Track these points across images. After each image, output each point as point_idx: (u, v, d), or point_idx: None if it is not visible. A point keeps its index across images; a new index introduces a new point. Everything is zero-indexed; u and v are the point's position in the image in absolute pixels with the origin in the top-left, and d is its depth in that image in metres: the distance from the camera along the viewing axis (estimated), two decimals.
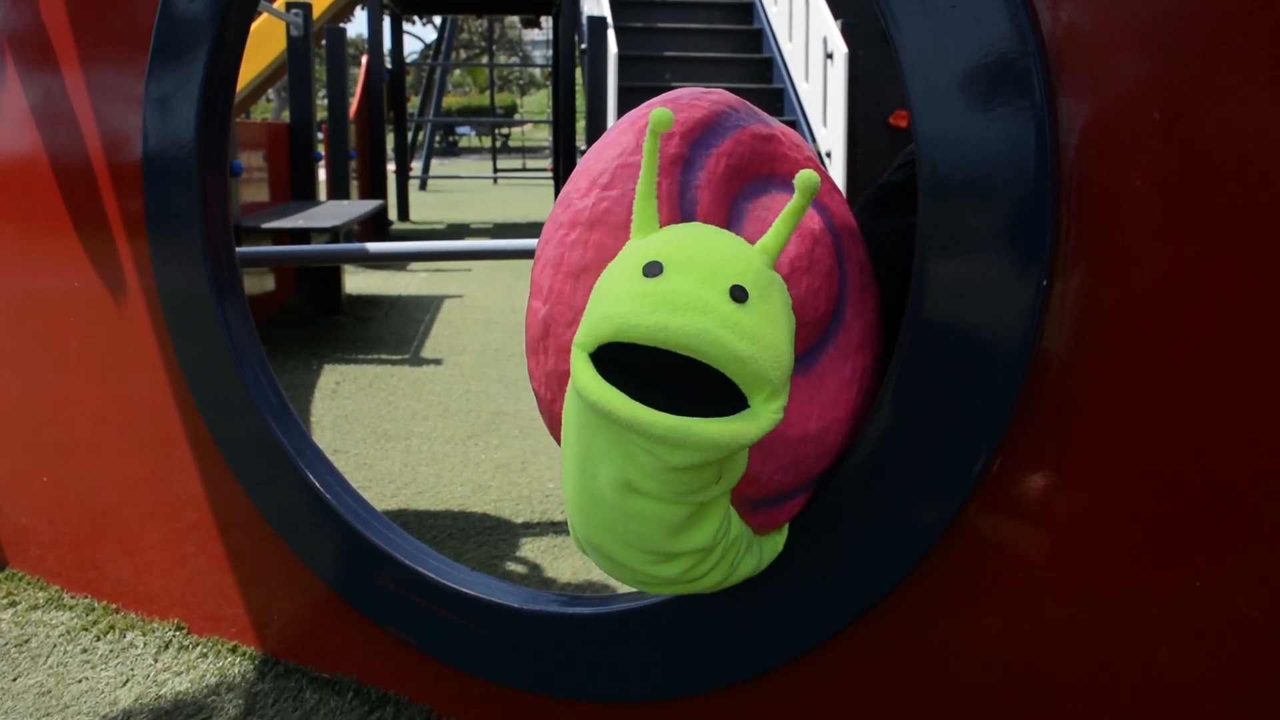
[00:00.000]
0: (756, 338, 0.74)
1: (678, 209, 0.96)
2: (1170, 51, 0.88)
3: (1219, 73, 0.86)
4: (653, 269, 0.75)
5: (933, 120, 0.97)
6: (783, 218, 0.80)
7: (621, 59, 6.90)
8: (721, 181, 1.00)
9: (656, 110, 0.79)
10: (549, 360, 0.98)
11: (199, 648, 1.67)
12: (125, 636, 1.71)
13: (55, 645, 1.69)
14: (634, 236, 0.82)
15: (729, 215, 1.00)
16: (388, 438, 3.06)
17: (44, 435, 1.83)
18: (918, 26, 0.97)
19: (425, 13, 12.72)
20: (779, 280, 0.80)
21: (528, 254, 2.45)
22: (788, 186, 1.07)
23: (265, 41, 6.88)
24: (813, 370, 1.03)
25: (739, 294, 0.74)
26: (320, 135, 6.74)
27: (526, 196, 13.38)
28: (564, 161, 9.29)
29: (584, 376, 0.75)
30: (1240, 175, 0.86)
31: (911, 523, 1.05)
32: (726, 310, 0.73)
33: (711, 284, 0.74)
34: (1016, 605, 1.04)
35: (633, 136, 0.99)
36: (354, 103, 8.41)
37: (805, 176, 0.78)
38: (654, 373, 0.75)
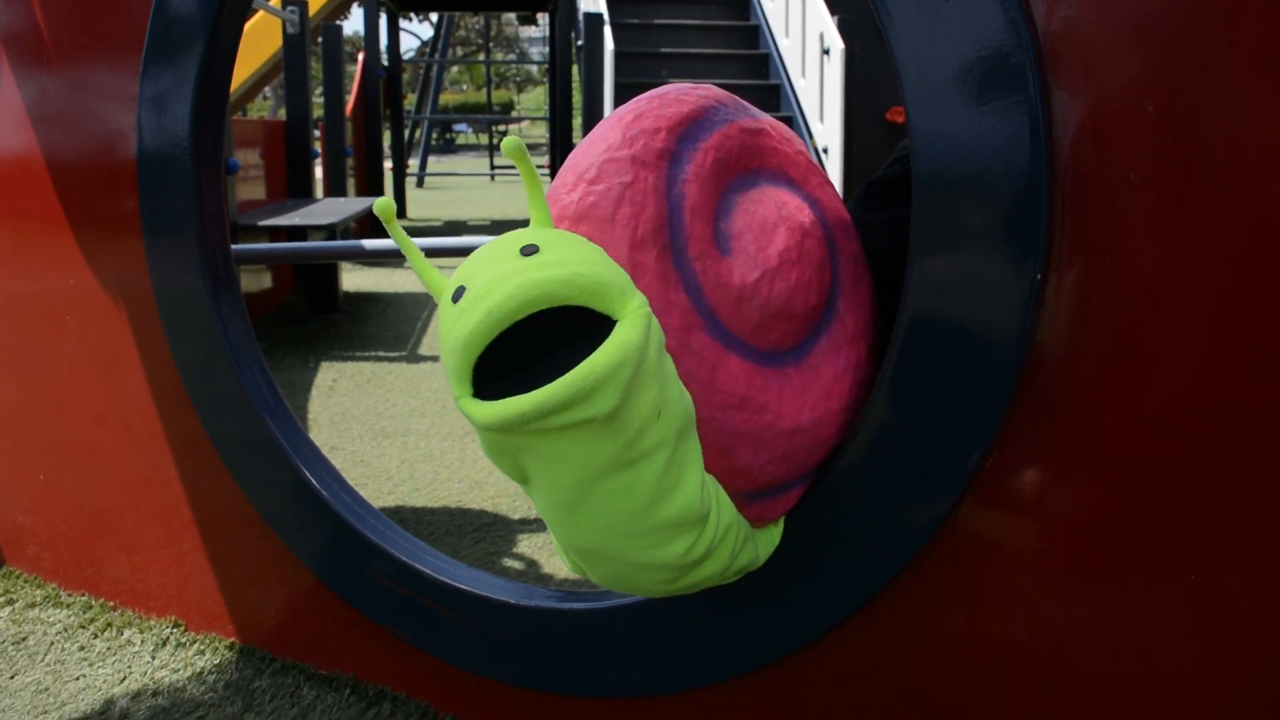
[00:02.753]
0: (563, 261, 0.76)
1: (664, 202, 0.96)
2: (1164, 46, 0.89)
3: (1213, 67, 0.86)
4: (458, 293, 0.77)
5: (927, 115, 0.97)
6: (526, 181, 0.84)
7: (618, 55, 6.89)
8: (709, 175, 1.00)
9: (381, 201, 0.84)
10: None
11: (196, 645, 1.67)
12: (123, 634, 1.71)
13: (53, 643, 1.69)
14: (438, 297, 0.83)
15: (717, 209, 1.01)
16: (385, 435, 3.07)
17: (40, 434, 1.83)
18: (911, 21, 0.97)
19: (422, 10, 12.71)
20: (565, 232, 0.83)
21: None
22: (777, 180, 1.07)
23: (261, 39, 6.86)
24: (805, 362, 1.03)
25: (529, 249, 0.77)
26: (317, 133, 6.73)
27: (523, 194, 13.36)
28: (561, 158, 9.28)
29: (480, 412, 0.77)
30: (1234, 169, 0.86)
31: (905, 518, 1.05)
32: (525, 264, 0.76)
33: (501, 261, 0.77)
34: (1011, 600, 1.04)
35: (619, 132, 0.99)
36: (350, 100, 8.40)
37: (508, 143, 0.82)
38: (543, 371, 0.77)
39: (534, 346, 0.78)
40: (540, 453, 0.82)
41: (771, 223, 1.01)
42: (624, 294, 0.78)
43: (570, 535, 0.89)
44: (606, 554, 0.90)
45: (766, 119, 1.09)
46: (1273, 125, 0.84)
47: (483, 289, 0.75)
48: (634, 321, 0.77)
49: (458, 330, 0.76)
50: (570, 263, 0.76)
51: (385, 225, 0.83)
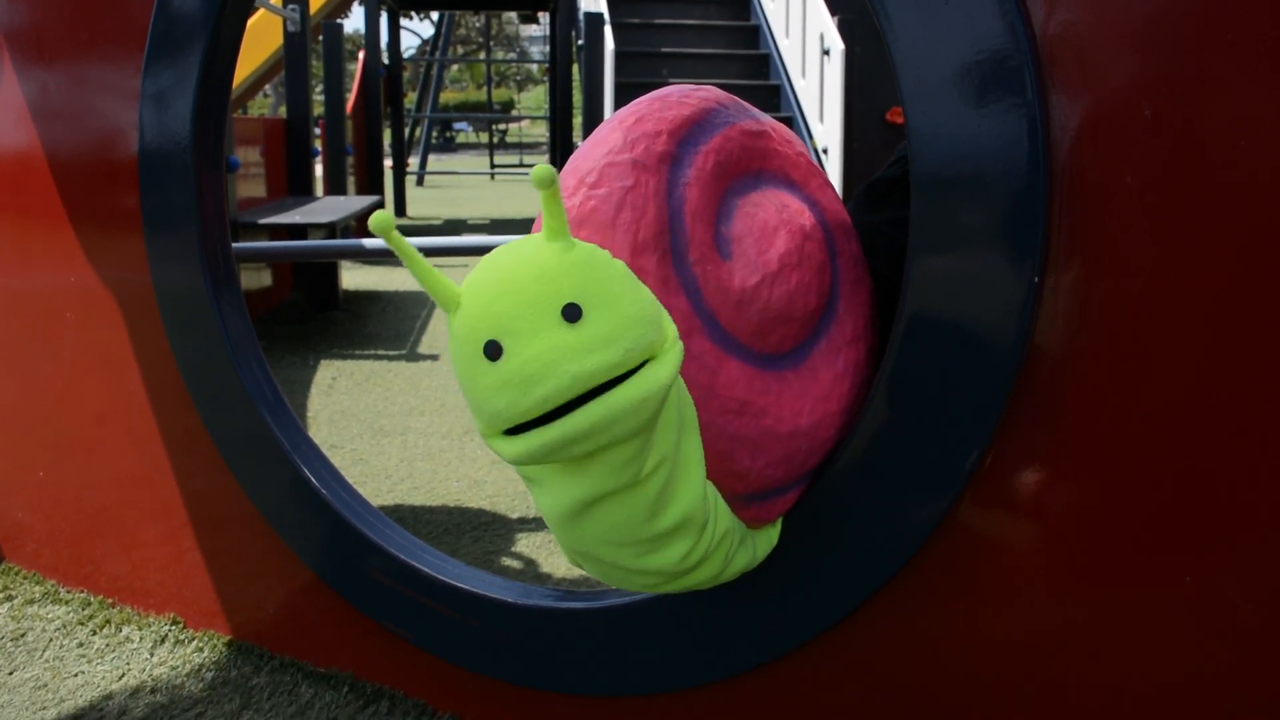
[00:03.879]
0: (612, 338, 0.74)
1: (666, 207, 0.96)
2: (1162, 49, 0.89)
3: (1210, 70, 0.86)
4: (493, 350, 0.74)
5: (925, 116, 0.97)
6: (543, 203, 0.78)
7: (619, 55, 6.89)
8: (710, 178, 1.00)
9: (378, 215, 0.78)
10: None
11: (195, 642, 1.67)
12: (121, 631, 1.71)
13: (51, 639, 1.69)
14: (447, 312, 0.79)
15: (718, 212, 1.01)
16: (384, 433, 3.07)
17: (40, 430, 1.83)
18: (910, 23, 0.98)
19: (422, 8, 12.70)
20: (584, 253, 0.78)
21: None
22: (779, 182, 1.08)
23: (262, 37, 6.86)
24: (804, 365, 1.03)
25: (571, 313, 0.74)
26: (317, 131, 6.73)
27: (523, 192, 13.37)
28: (561, 158, 9.28)
29: (510, 450, 0.76)
30: (1231, 171, 0.86)
31: (904, 518, 1.06)
32: (573, 340, 0.73)
33: (544, 325, 0.74)
34: (1009, 599, 1.04)
35: (620, 135, 0.99)
36: (351, 98, 8.39)
37: (539, 171, 0.75)
38: None
39: None
40: (551, 472, 0.84)
41: (772, 226, 1.01)
42: (659, 333, 0.77)
43: (568, 539, 0.90)
44: (600, 557, 0.91)
45: (768, 120, 1.09)
46: (1269, 128, 0.84)
47: (531, 370, 0.73)
48: (666, 360, 0.77)
49: (502, 404, 0.74)
50: (619, 339, 0.74)
51: (385, 239, 0.77)
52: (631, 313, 0.76)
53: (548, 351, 0.73)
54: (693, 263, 0.96)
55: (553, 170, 0.74)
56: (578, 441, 0.75)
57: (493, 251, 0.81)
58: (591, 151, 1.00)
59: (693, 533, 0.90)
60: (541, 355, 0.73)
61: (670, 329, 0.79)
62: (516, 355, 0.74)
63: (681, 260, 0.96)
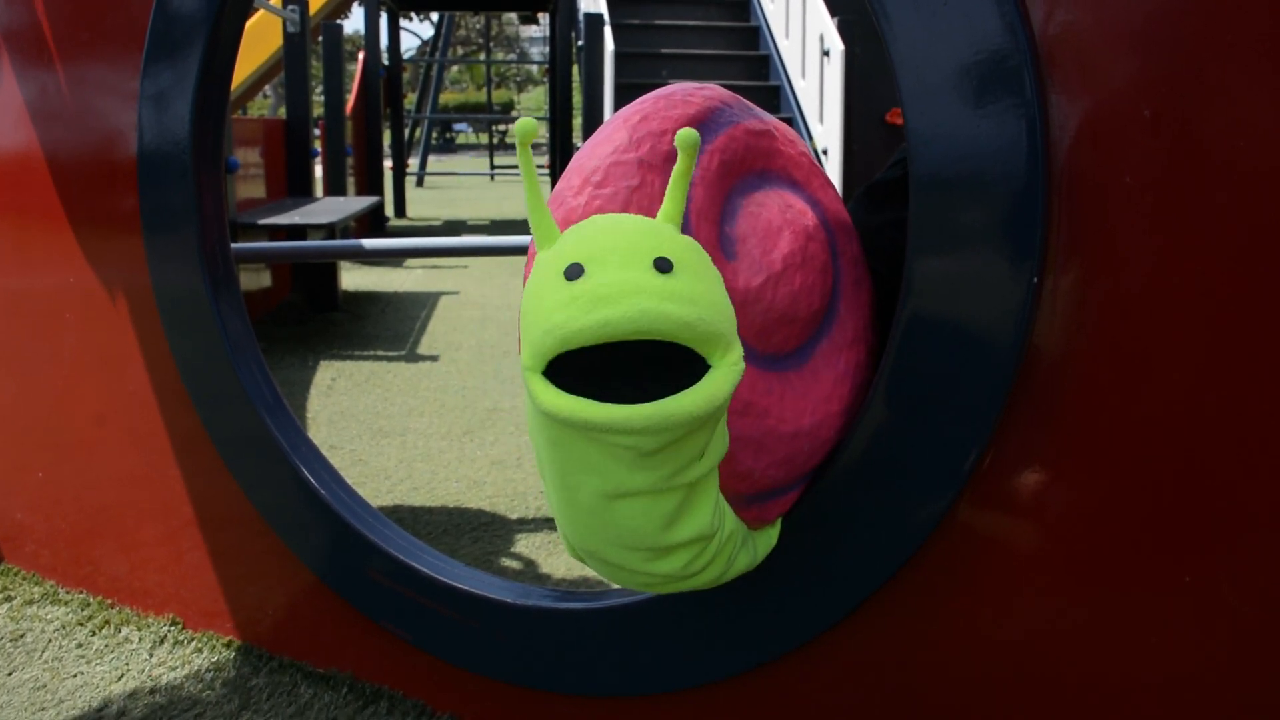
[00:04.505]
0: (694, 299, 0.74)
1: None
2: (1161, 49, 0.89)
3: (1209, 70, 0.86)
4: (574, 271, 0.74)
5: (924, 117, 0.97)
6: (673, 181, 0.80)
7: (618, 56, 6.89)
8: (715, 178, 1.00)
9: (521, 121, 0.78)
10: None
11: (194, 643, 1.67)
12: (120, 631, 1.71)
13: (50, 640, 1.69)
14: (539, 249, 0.80)
15: (722, 211, 1.01)
16: (383, 434, 3.07)
17: (39, 431, 1.83)
18: (909, 23, 0.98)
19: (422, 9, 12.70)
20: (693, 243, 0.80)
21: (524, 250, 2.45)
22: (783, 182, 1.07)
23: (262, 38, 6.86)
24: (806, 366, 1.03)
25: (663, 265, 0.74)
26: (317, 132, 6.73)
27: (523, 193, 13.36)
28: (561, 158, 9.28)
29: (546, 396, 0.74)
30: (1230, 172, 0.86)
31: (903, 518, 1.06)
32: (657, 283, 0.73)
33: (634, 265, 0.74)
34: (1007, 600, 1.04)
35: (626, 134, 0.99)
36: (351, 99, 8.39)
37: (683, 134, 0.78)
38: (606, 367, 0.75)
39: None
40: (578, 454, 0.82)
41: (776, 226, 1.01)
42: (728, 345, 0.76)
43: (575, 534, 0.90)
44: (607, 558, 0.91)
45: (771, 120, 1.09)
46: (1268, 128, 0.84)
47: (606, 291, 0.72)
48: (727, 375, 0.75)
49: (562, 317, 0.72)
50: (698, 303, 0.74)
51: (520, 148, 0.77)
52: (716, 298, 0.77)
53: (628, 282, 0.72)
54: None
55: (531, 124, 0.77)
56: (622, 433, 0.74)
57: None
58: (597, 150, 0.99)
59: (701, 542, 0.91)
60: (620, 283, 0.72)
61: (736, 349, 0.77)
62: (596, 278, 0.73)
63: None
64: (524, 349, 0.76)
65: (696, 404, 0.74)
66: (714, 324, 0.74)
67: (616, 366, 0.77)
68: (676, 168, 0.80)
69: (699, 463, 0.84)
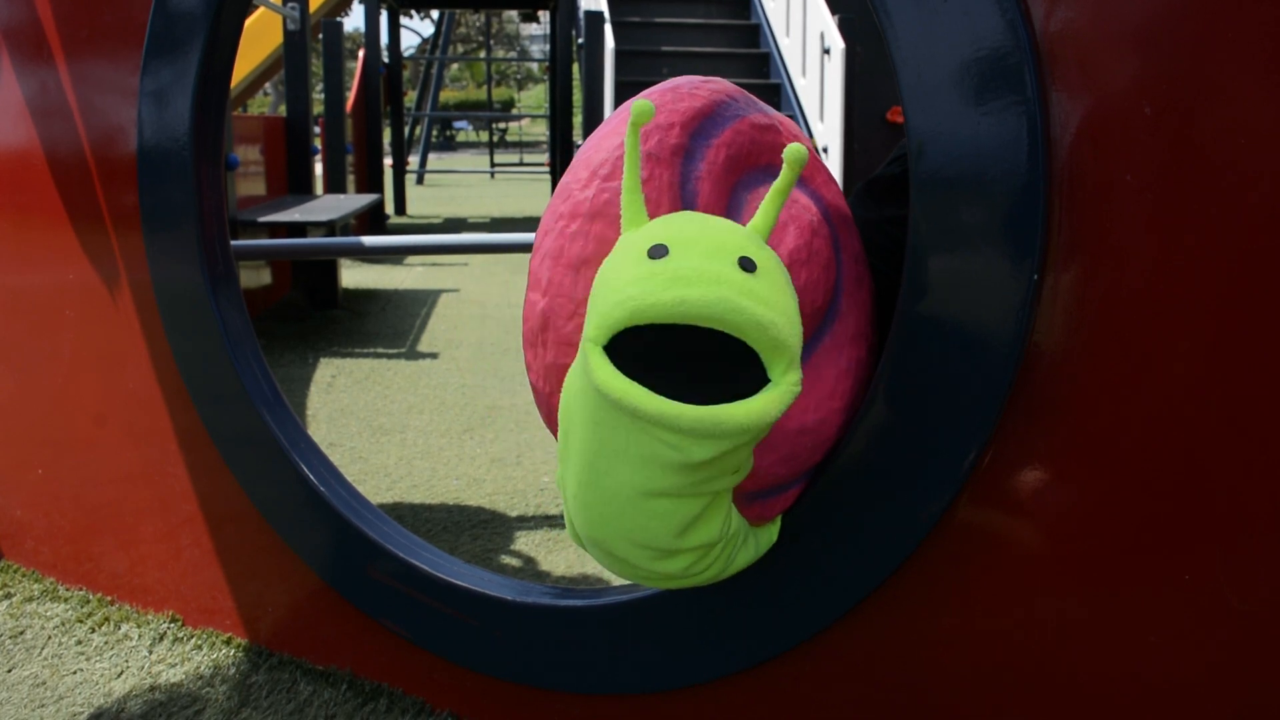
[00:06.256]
0: (772, 303, 0.73)
1: (679, 200, 0.96)
2: (1162, 47, 0.89)
3: (1210, 68, 0.86)
4: (658, 251, 0.74)
5: (925, 114, 0.97)
6: (770, 197, 0.80)
7: (619, 54, 6.89)
8: (722, 172, 0.99)
9: (638, 102, 0.79)
10: (547, 354, 0.98)
11: (193, 640, 1.67)
12: (120, 628, 1.71)
13: (50, 637, 1.69)
14: (625, 229, 0.81)
15: (728, 205, 1.00)
16: (383, 431, 3.07)
17: (39, 428, 1.83)
18: (910, 21, 0.98)
19: (423, 7, 12.69)
20: (777, 256, 0.80)
21: (524, 248, 2.45)
22: None
23: (262, 35, 6.86)
24: (809, 362, 1.03)
25: (748, 264, 0.74)
26: (317, 129, 6.73)
27: (523, 191, 13.37)
28: (561, 156, 9.29)
29: (603, 373, 0.73)
30: (1231, 170, 0.86)
31: (903, 516, 1.06)
32: (739, 279, 0.73)
33: (719, 258, 0.73)
34: (1007, 598, 1.04)
35: None
36: (351, 97, 8.39)
37: (794, 150, 0.78)
38: (658, 363, 0.75)
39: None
40: (618, 441, 0.81)
41: (781, 222, 1.01)
42: (791, 363, 0.76)
43: (587, 521, 0.89)
44: (612, 549, 0.91)
45: (776, 114, 1.09)
46: (1269, 126, 0.84)
47: (688, 272, 0.72)
48: (783, 394, 0.75)
49: (637, 290, 0.72)
50: (774, 308, 0.73)
51: (630, 131, 0.78)
52: (791, 311, 0.77)
53: (710, 269, 0.72)
54: None
55: (804, 152, 0.78)
56: (669, 429, 0.73)
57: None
58: (603, 143, 0.99)
59: (708, 548, 0.91)
60: (703, 269, 0.72)
61: (797, 371, 0.77)
62: (678, 261, 0.73)
63: None
64: (590, 320, 0.76)
65: (749, 415, 0.73)
66: (785, 333, 0.74)
67: (665, 363, 0.76)
68: (778, 183, 0.80)
69: (732, 476, 0.83)
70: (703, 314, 0.71)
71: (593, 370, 0.74)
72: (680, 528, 0.85)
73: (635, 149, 0.80)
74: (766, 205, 0.80)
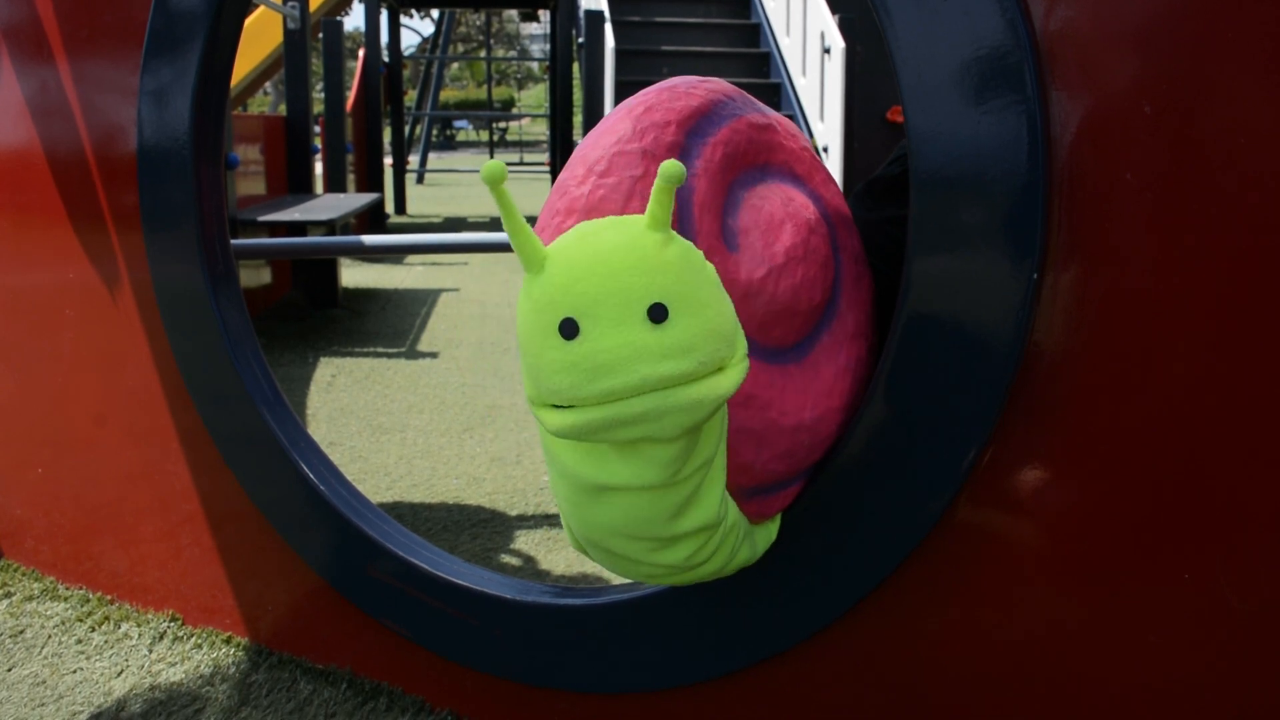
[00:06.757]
0: (692, 345, 0.73)
1: (674, 199, 0.96)
2: (1162, 47, 0.89)
3: (1210, 68, 0.86)
4: (569, 329, 0.73)
5: (925, 114, 0.97)
6: (655, 190, 0.76)
7: (619, 53, 6.89)
8: (718, 171, 1.00)
9: (491, 165, 0.76)
10: None
11: (193, 639, 1.67)
12: (120, 627, 1.71)
13: (50, 636, 1.69)
14: (527, 273, 0.78)
15: (725, 204, 1.01)
16: (383, 431, 3.07)
17: (39, 428, 1.83)
18: (910, 20, 0.98)
19: (423, 6, 12.69)
20: (682, 249, 0.77)
21: None
22: (784, 175, 1.07)
23: (262, 34, 6.86)
24: (807, 359, 1.03)
25: (658, 314, 0.73)
26: (317, 128, 6.73)
27: (524, 190, 13.36)
28: (561, 156, 9.28)
29: (554, 420, 0.76)
30: (1231, 170, 0.86)
31: (902, 515, 1.06)
32: (653, 341, 0.72)
33: (629, 319, 0.73)
34: (1006, 597, 1.04)
35: (630, 124, 0.98)
36: (351, 96, 8.39)
37: (667, 166, 0.74)
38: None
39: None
40: (589, 447, 0.83)
41: (778, 219, 1.01)
42: (731, 347, 0.76)
43: (581, 525, 0.90)
44: (611, 548, 0.91)
45: (773, 114, 1.09)
46: (1269, 126, 0.84)
47: (606, 359, 0.72)
48: (732, 373, 0.76)
49: (565, 382, 0.73)
50: (697, 347, 0.74)
51: (493, 190, 0.74)
52: (713, 325, 0.76)
53: (625, 347, 0.72)
54: None
55: (500, 171, 0.74)
56: (624, 426, 0.74)
57: (591, 223, 0.79)
58: (600, 140, 0.99)
59: (706, 532, 0.91)
60: (618, 349, 0.72)
61: (741, 344, 0.78)
62: (592, 342, 0.73)
63: None
64: (528, 387, 0.77)
65: (699, 392, 0.74)
66: (715, 357, 0.75)
67: None
68: (657, 183, 0.76)
69: (702, 455, 0.84)
70: (631, 394, 0.73)
71: (546, 425, 0.77)
72: (671, 514, 0.86)
73: (507, 201, 0.75)
74: (655, 196, 0.76)
